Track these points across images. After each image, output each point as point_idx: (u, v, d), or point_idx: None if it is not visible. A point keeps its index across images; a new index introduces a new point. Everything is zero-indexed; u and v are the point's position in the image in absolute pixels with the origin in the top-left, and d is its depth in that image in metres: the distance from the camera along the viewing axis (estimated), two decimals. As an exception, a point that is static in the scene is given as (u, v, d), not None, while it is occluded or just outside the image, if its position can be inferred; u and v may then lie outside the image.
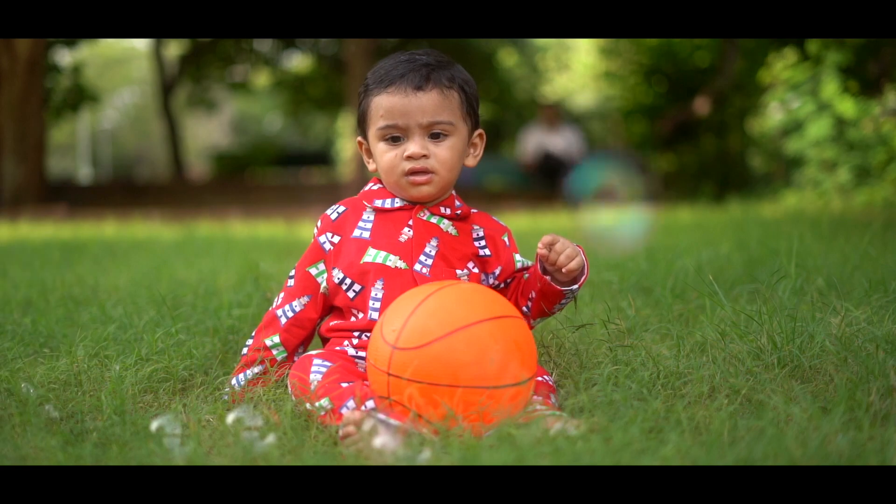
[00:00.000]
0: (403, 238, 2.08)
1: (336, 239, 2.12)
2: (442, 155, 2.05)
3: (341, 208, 2.16)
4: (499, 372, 1.74)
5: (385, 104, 2.04)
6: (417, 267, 2.06)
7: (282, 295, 2.16)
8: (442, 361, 1.73)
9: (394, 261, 2.06)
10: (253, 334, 2.18)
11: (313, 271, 2.14)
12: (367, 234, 2.10)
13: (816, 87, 8.91)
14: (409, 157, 2.03)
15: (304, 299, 2.14)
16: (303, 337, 2.15)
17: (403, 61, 2.07)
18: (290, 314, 2.13)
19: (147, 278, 3.78)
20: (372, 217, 2.12)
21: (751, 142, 13.95)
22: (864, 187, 8.55)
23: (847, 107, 8.65)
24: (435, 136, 2.05)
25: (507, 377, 1.74)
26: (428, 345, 1.75)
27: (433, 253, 2.08)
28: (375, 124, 2.07)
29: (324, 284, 2.12)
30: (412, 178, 2.05)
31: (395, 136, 2.05)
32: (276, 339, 2.13)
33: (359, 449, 1.69)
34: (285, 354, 2.13)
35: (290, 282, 2.16)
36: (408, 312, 1.80)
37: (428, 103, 2.02)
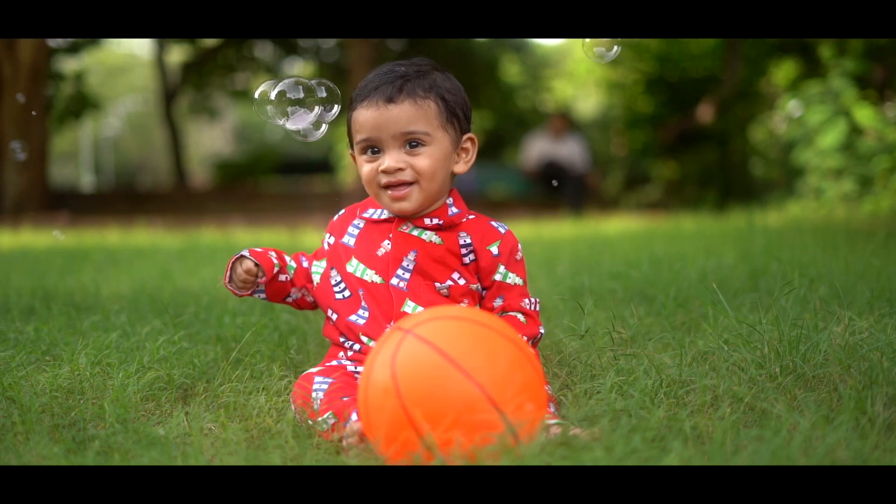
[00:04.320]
0: (381, 252, 2.11)
1: (332, 240, 2.21)
2: (419, 164, 2.05)
3: (342, 211, 2.26)
4: (505, 376, 1.60)
5: (360, 119, 2.08)
6: (394, 281, 2.09)
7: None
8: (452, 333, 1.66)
9: (370, 275, 2.11)
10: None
11: (314, 268, 2.24)
12: (352, 242, 2.16)
13: (835, 95, 8.87)
14: (384, 172, 2.06)
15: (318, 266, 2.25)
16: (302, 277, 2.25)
17: (381, 74, 2.10)
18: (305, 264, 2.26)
19: (149, 286, 3.78)
20: (361, 225, 2.18)
21: (753, 150, 13.95)
22: (868, 196, 8.54)
23: (864, 114, 8.62)
24: (413, 146, 2.06)
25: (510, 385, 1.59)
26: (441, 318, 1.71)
27: (410, 267, 2.09)
28: (355, 138, 2.11)
29: (316, 280, 2.22)
30: (390, 192, 2.07)
31: (373, 149, 2.08)
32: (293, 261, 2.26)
33: (360, 461, 1.69)
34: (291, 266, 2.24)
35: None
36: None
37: (400, 114, 2.03)
